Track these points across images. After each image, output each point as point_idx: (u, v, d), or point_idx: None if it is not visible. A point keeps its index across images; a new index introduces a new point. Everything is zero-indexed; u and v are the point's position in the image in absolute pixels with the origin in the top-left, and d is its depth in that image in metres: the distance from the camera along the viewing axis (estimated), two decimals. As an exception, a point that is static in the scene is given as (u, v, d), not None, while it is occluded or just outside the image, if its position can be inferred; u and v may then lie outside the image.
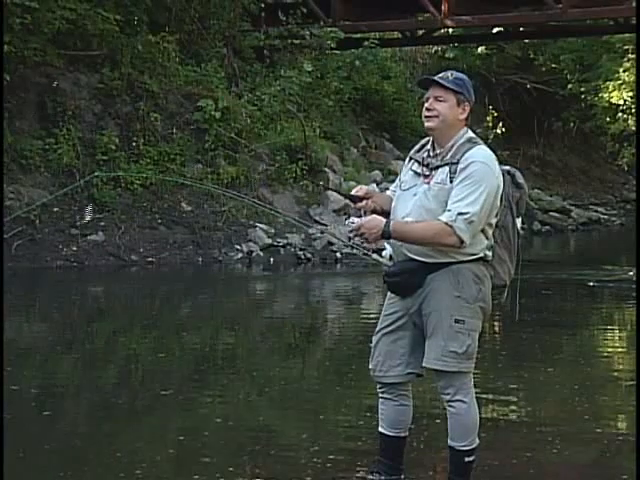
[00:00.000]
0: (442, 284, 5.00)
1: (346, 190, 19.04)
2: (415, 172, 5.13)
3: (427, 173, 5.07)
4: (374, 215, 5.11)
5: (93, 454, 6.04)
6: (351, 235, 5.12)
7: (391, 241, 5.12)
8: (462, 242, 4.91)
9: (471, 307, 5.01)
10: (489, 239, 5.05)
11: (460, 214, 4.89)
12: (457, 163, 4.96)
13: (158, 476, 5.64)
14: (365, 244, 5.26)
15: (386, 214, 5.17)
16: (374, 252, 5.24)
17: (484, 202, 4.91)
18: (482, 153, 5.00)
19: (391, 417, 5.24)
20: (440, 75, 5.10)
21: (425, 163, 5.10)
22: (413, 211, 5.04)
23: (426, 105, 5.08)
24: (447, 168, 4.99)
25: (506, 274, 5.16)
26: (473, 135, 5.10)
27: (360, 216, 5.14)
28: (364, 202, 5.22)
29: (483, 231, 5.02)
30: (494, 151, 5.13)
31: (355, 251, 17.39)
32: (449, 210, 4.92)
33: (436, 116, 5.03)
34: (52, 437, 6.35)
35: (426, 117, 5.07)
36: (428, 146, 5.14)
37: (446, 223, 4.90)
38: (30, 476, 5.63)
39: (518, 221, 5.20)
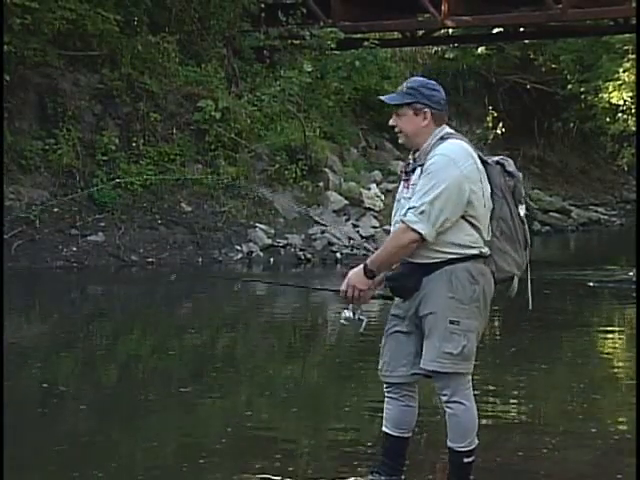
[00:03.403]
0: (436, 286, 4.98)
1: (346, 191, 19.07)
2: (402, 180, 5.16)
3: (406, 178, 5.10)
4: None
5: (94, 455, 6.03)
6: (346, 312, 5.10)
7: None
8: (421, 235, 4.86)
9: (466, 308, 4.97)
10: (481, 232, 4.99)
11: (410, 208, 4.90)
12: (424, 163, 4.98)
13: (160, 477, 5.64)
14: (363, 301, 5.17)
15: None
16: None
17: (440, 193, 4.85)
18: (446, 146, 4.96)
19: (396, 417, 5.24)
20: (399, 88, 5.09)
21: (406, 169, 5.13)
22: (398, 217, 5.07)
23: (390, 122, 5.13)
24: (420, 169, 4.99)
25: (511, 266, 5.08)
26: (448, 131, 5.06)
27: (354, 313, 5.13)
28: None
29: (472, 225, 4.96)
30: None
31: (356, 251, 17.46)
32: None
33: (401, 131, 5.08)
34: (53, 437, 6.35)
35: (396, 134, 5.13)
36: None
37: (401, 221, 4.92)
38: (31, 476, 5.64)
39: (522, 208, 5.12)
